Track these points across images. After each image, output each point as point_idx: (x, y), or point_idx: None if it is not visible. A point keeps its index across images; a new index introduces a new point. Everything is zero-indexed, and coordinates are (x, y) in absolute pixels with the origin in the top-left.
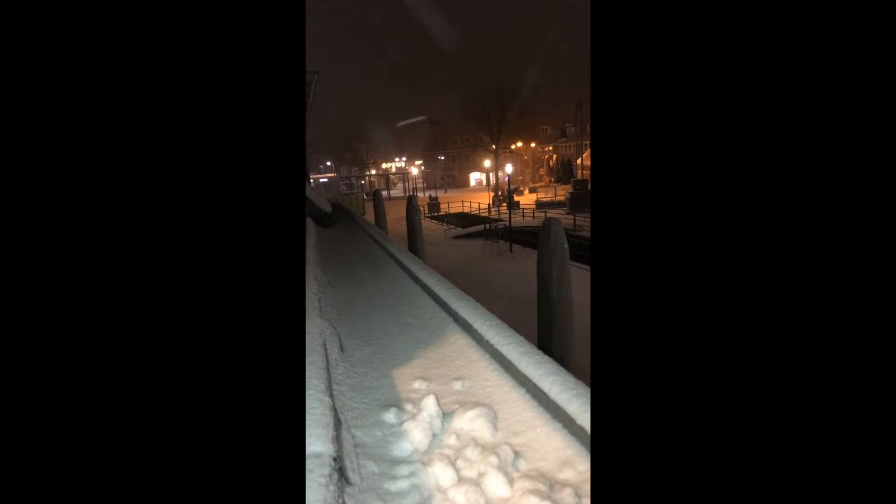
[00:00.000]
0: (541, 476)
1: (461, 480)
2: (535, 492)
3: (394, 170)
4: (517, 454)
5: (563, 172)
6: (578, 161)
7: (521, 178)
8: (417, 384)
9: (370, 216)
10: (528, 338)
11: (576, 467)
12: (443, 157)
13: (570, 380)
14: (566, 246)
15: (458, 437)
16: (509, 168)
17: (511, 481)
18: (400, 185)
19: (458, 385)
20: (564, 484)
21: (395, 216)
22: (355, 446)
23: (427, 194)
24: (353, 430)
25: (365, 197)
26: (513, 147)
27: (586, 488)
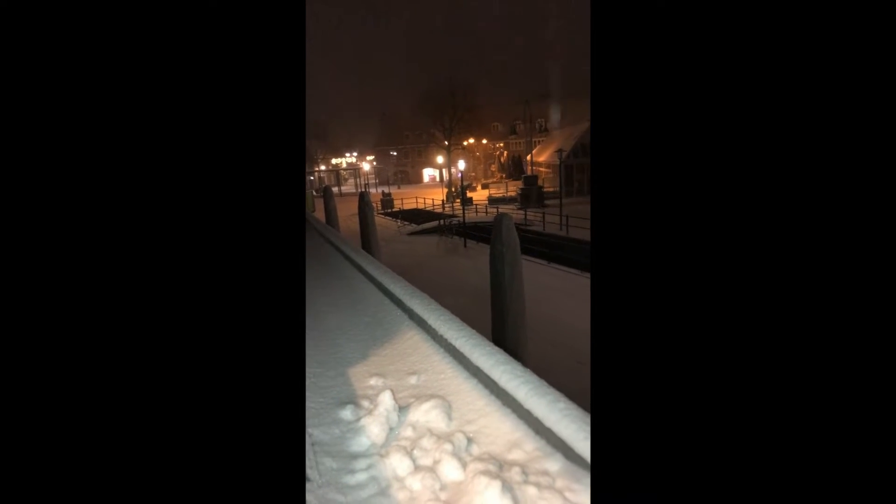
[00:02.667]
0: (492, 458)
1: (417, 468)
2: (487, 472)
3: (344, 165)
4: (470, 440)
5: (514, 169)
6: (528, 157)
7: (473, 174)
8: (373, 381)
9: (321, 213)
10: (482, 331)
11: (523, 448)
12: (395, 153)
13: (519, 368)
14: (518, 240)
15: (414, 428)
16: (462, 164)
17: (464, 465)
18: (351, 180)
19: (413, 379)
20: (513, 463)
21: (347, 213)
22: (312, 444)
23: (380, 190)
24: (310, 430)
25: (314, 193)
26: (465, 143)
27: (533, 466)
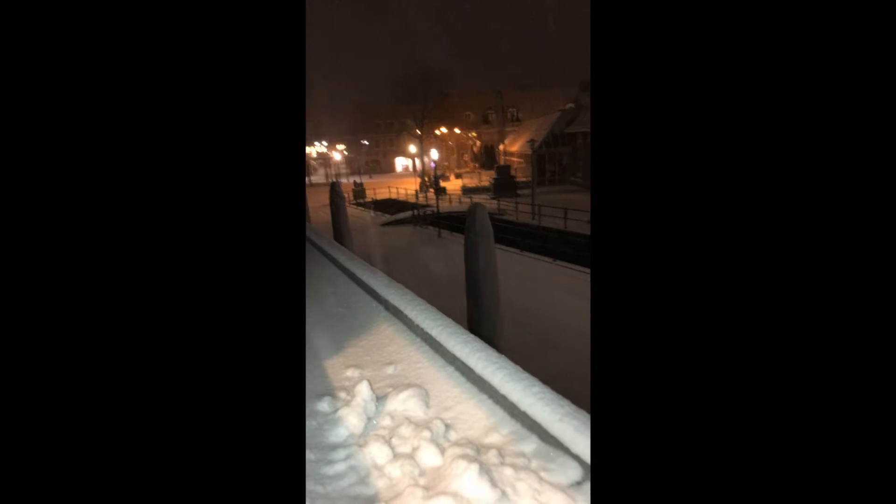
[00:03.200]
0: (469, 443)
1: (396, 456)
2: (465, 456)
3: (314, 155)
4: (448, 426)
5: (487, 158)
6: (501, 147)
7: (446, 163)
8: (350, 372)
9: None
10: (458, 320)
11: (500, 431)
12: (367, 142)
13: (494, 355)
14: (491, 230)
15: (392, 417)
16: (435, 154)
17: (443, 451)
18: (321, 170)
19: (390, 370)
20: (490, 447)
21: (318, 203)
22: None
23: (351, 180)
24: None
25: None
26: (437, 132)
27: (509, 448)
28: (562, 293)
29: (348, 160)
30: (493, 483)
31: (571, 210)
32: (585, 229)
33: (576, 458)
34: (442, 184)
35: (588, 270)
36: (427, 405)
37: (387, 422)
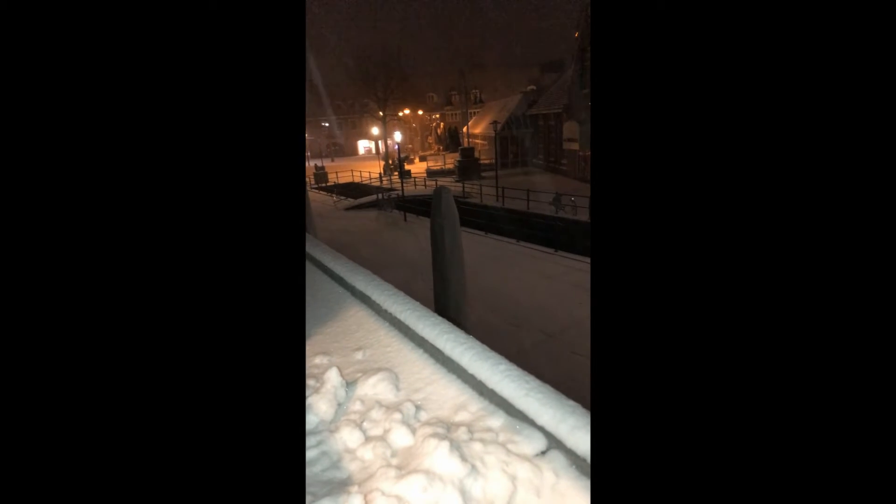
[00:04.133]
0: (440, 422)
1: (368, 439)
2: (435, 435)
3: None
4: (418, 407)
5: (451, 141)
6: (464, 129)
7: (410, 146)
8: (319, 359)
9: None
10: (425, 303)
11: (469, 409)
12: (327, 124)
13: (462, 336)
14: (457, 213)
15: (363, 402)
16: (398, 136)
17: (414, 431)
18: None
19: (359, 355)
20: (460, 424)
21: None
22: None
23: (312, 164)
24: None
25: None
26: (400, 114)
27: (478, 424)
28: (525, 273)
29: (309, 143)
30: (464, 458)
31: (533, 192)
32: (547, 210)
33: (540, 429)
34: (406, 167)
35: (549, 250)
36: (397, 388)
37: (357, 406)
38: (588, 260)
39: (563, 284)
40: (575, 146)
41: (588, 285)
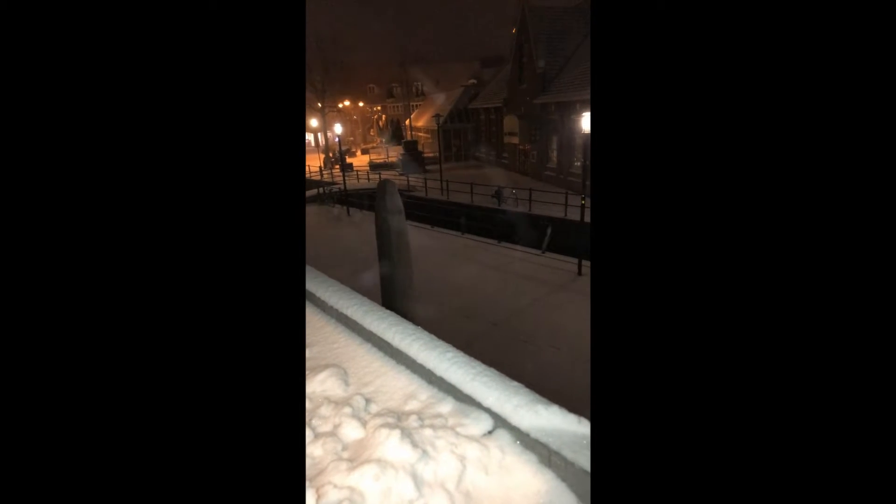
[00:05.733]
0: (390, 412)
1: (318, 436)
2: (386, 425)
3: None
4: (368, 400)
5: (394, 133)
6: (407, 122)
7: (351, 138)
8: None
9: None
10: (373, 298)
11: (418, 397)
12: None
13: (410, 327)
14: (402, 206)
15: (311, 400)
16: (339, 128)
17: (364, 424)
18: None
19: (306, 353)
20: (410, 413)
21: None
22: None
23: None
24: None
25: None
26: (340, 105)
27: (428, 411)
28: (471, 265)
29: None
30: (415, 444)
31: (477, 185)
32: (490, 203)
33: (487, 410)
34: (348, 160)
35: (493, 241)
36: (346, 383)
37: (306, 405)
38: (529, 250)
39: (507, 274)
40: (515, 140)
41: (531, 274)
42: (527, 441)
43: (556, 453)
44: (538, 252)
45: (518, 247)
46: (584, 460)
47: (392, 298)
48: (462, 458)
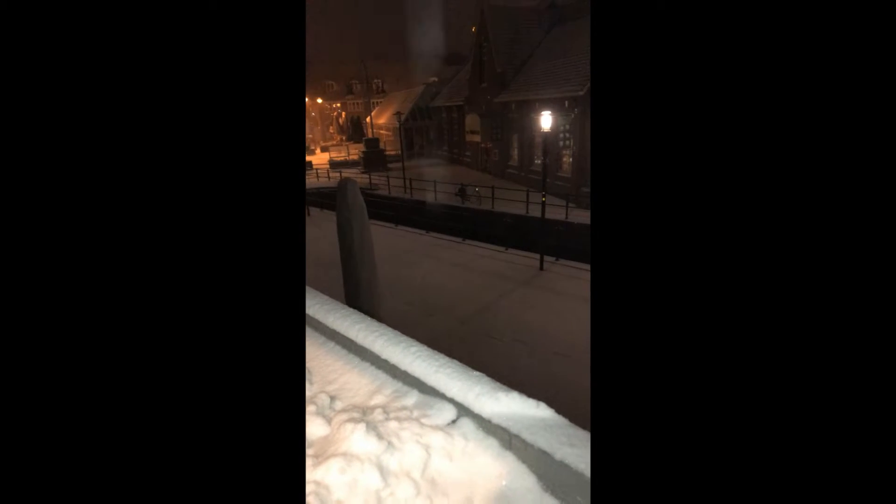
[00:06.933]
0: (355, 408)
1: None
2: (351, 420)
3: None
4: (333, 398)
5: (354, 131)
6: (368, 119)
7: (311, 136)
8: None
9: None
10: (337, 297)
11: (383, 392)
12: None
13: (374, 324)
14: (364, 205)
15: None
16: None
17: (329, 420)
18: None
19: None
20: (375, 407)
21: None
22: None
23: None
24: None
25: None
26: None
27: (393, 405)
28: (436, 263)
29: None
30: (380, 436)
31: (440, 183)
32: (454, 201)
33: (450, 401)
34: (308, 157)
35: (457, 239)
36: (310, 382)
37: None
38: (493, 247)
39: (471, 272)
40: (477, 138)
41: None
42: (488, 427)
43: (516, 436)
44: (502, 249)
45: (482, 244)
46: (542, 441)
47: (356, 297)
48: (427, 447)
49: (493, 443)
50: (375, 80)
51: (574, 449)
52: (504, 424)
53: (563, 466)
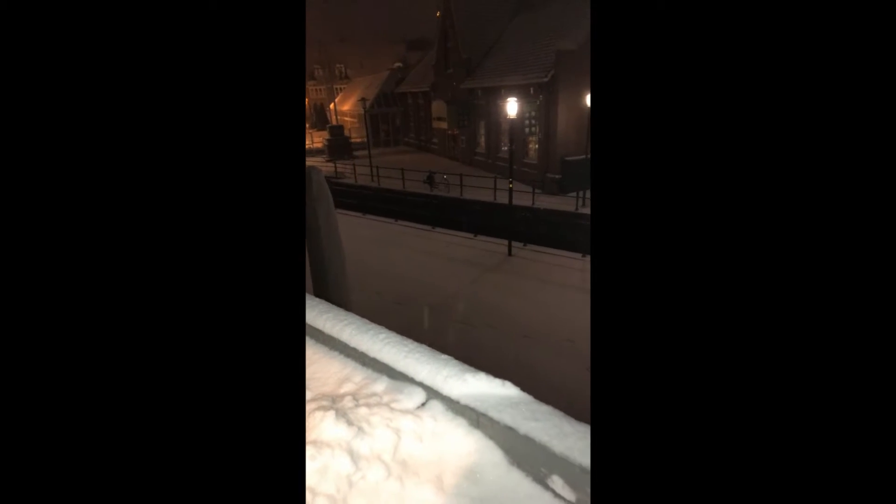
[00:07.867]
0: (324, 397)
1: None
2: (321, 408)
3: None
4: None
5: (318, 118)
6: (332, 106)
7: None
8: None
9: None
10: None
11: (353, 380)
12: None
13: (342, 313)
14: (330, 194)
15: None
16: None
17: None
18: None
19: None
20: (345, 395)
21: None
22: None
23: None
24: None
25: None
26: None
27: (363, 392)
28: (406, 251)
29: None
30: (350, 422)
31: (408, 171)
32: (422, 188)
33: (419, 384)
34: None
35: (427, 227)
36: None
37: None
38: (464, 234)
39: (441, 259)
40: (444, 125)
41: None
42: (456, 408)
43: (483, 415)
44: (471, 236)
45: (452, 231)
46: (507, 418)
47: (324, 288)
48: (397, 431)
49: (461, 422)
50: (338, 65)
51: (538, 423)
52: (472, 404)
53: (527, 440)
